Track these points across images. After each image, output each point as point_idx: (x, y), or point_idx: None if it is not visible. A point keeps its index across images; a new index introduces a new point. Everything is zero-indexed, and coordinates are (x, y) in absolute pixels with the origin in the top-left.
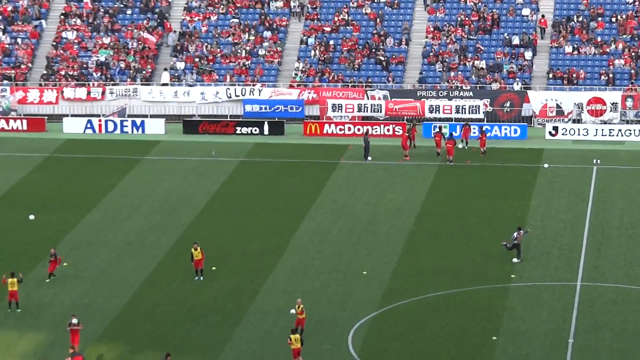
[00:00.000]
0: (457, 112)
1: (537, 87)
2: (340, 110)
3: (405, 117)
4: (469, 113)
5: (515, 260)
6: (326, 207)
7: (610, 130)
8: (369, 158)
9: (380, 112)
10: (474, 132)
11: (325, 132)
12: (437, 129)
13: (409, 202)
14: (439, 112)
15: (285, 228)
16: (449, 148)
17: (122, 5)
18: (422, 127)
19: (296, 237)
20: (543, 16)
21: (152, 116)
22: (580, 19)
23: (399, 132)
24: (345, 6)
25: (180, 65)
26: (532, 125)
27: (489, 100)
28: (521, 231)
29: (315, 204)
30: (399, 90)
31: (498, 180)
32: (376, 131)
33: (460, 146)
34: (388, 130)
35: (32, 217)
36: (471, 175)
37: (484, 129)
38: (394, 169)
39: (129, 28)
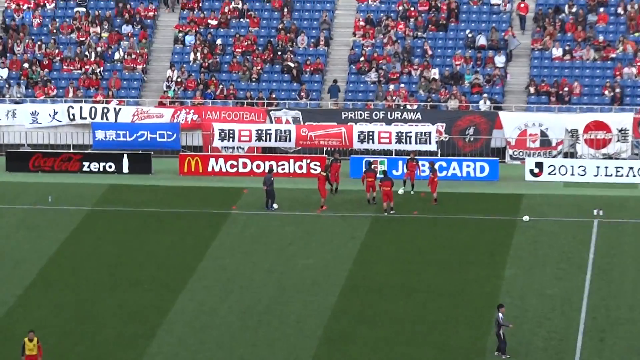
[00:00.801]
0: (399, 141)
1: (512, 107)
2: (231, 139)
3: (325, 149)
4: (416, 143)
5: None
6: (211, 278)
7: (617, 168)
8: (274, 206)
9: (289, 141)
10: (423, 171)
11: (210, 169)
12: (368, 166)
13: (330, 271)
14: (373, 142)
15: (151, 308)
16: (386, 192)
17: None
18: (349, 163)
19: (168, 321)
20: (523, 1)
21: None
22: (574, 9)
23: (315, 170)
24: None
25: (2, 73)
26: (506, 160)
27: (444, 124)
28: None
29: (195, 273)
30: (315, 110)
31: (458, 240)
32: (283, 168)
33: (401, 191)
34: (300, 167)
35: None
36: (419, 232)
37: (436, 166)
38: (309, 223)
39: None
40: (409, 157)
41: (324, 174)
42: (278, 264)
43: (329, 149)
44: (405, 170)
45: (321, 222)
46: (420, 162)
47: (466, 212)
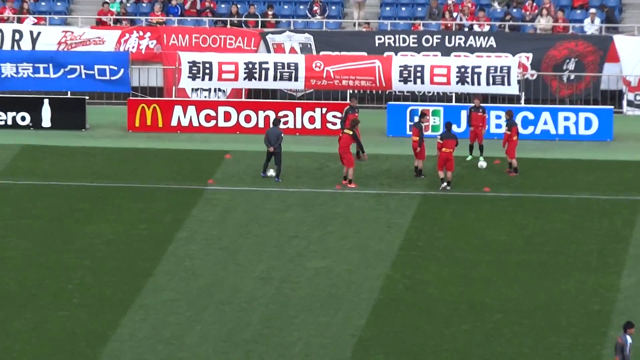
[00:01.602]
0: (462, 81)
1: (635, 28)
2: (207, 77)
3: (350, 93)
4: (488, 84)
5: None
6: (174, 289)
7: None
8: (271, 174)
9: (296, 80)
10: (498, 126)
11: (174, 123)
12: (417, 118)
13: (355, 279)
14: (422, 81)
15: (82, 334)
16: (445, 155)
17: None
18: (385, 114)
19: (107, 354)
20: None
21: None
22: None
23: (335, 124)
24: None
25: None
26: (623, 110)
27: (530, 55)
28: (628, 336)
29: (150, 281)
30: (335, 33)
31: (550, 231)
32: (286, 122)
33: (467, 157)
34: (311, 120)
35: None
36: (491, 219)
37: (517, 118)
38: (324, 205)
39: None
40: (472, 105)
41: (349, 131)
42: (276, 268)
43: (354, 91)
44: (468, 126)
45: (343, 203)
46: (487, 113)
47: (562, 189)
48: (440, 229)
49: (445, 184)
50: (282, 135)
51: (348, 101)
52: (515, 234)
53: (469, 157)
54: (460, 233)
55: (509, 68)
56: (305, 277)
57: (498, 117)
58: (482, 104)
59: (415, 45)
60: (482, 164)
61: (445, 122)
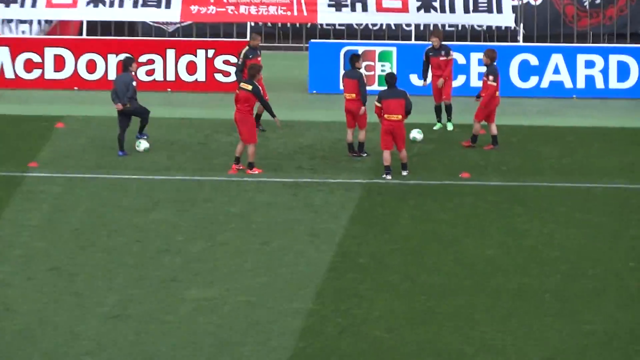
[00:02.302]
0: (424, 6)
1: None
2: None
3: (250, 26)
4: (467, 10)
5: None
6: None
7: None
8: (144, 147)
9: (168, 6)
10: (480, 77)
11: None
12: (351, 64)
13: (264, 312)
14: (364, 8)
15: None
16: (392, 125)
17: None
18: (308, 57)
19: None
20: None
21: None
22: None
23: (227, 78)
24: None
25: None
26: None
27: None
28: None
29: None
30: None
31: (567, 240)
32: (151, 73)
33: (435, 125)
34: (192, 68)
35: None
36: (477, 223)
37: (493, 64)
38: (213, 201)
39: None
40: (429, 46)
41: (248, 85)
42: (136, 300)
43: (257, 24)
44: (427, 76)
45: (240, 198)
46: (472, 57)
47: (583, 175)
48: (391, 239)
49: (389, 175)
50: (135, 84)
51: (247, 39)
52: (511, 246)
53: (437, 126)
54: (423, 244)
55: None
56: (180, 315)
57: (481, 62)
58: (443, 42)
59: None
60: (416, 135)
61: (387, 73)
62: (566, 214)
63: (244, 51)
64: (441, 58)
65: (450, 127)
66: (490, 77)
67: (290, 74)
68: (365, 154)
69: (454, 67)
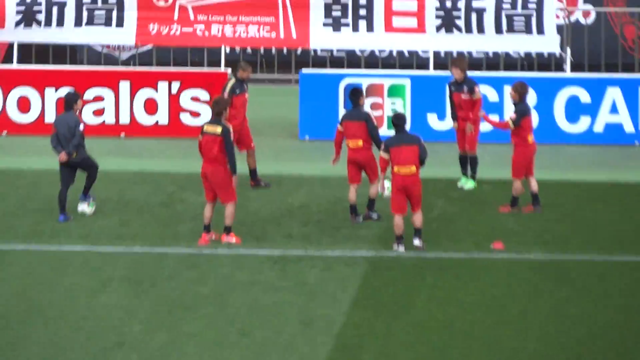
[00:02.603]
0: (446, 24)
1: None
2: None
3: (224, 52)
4: (499, 30)
5: None
6: None
7: None
8: (84, 210)
9: (121, 24)
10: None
11: None
12: (354, 103)
13: None
14: (369, 27)
15: None
16: (401, 182)
17: None
18: (299, 92)
19: None
20: None
21: None
22: None
23: (198, 114)
24: None
25: None
26: None
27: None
28: None
29: None
30: None
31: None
32: (105, 111)
33: (459, 180)
34: (151, 106)
35: None
36: (514, 308)
37: (523, 101)
38: (177, 278)
39: None
40: (452, 79)
41: (215, 128)
42: None
43: (232, 50)
44: (453, 124)
45: (214, 275)
46: (504, 90)
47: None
48: (404, 328)
49: (402, 246)
50: (82, 127)
51: (222, 69)
52: (556, 338)
53: (462, 181)
54: (445, 335)
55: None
56: None
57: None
58: (466, 75)
59: None
60: (385, 188)
61: (394, 114)
62: (628, 296)
63: (230, 84)
64: (463, 96)
65: (470, 185)
66: (514, 115)
67: (276, 115)
68: (376, 216)
69: (483, 105)
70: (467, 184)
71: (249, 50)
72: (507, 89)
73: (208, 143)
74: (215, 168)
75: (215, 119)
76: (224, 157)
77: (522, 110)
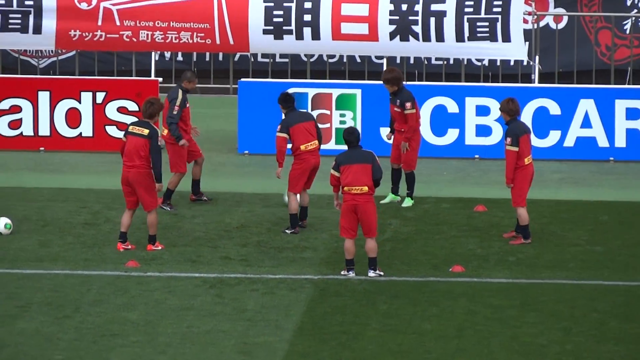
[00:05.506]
0: (401, 30)
1: None
2: None
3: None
4: (461, 38)
5: None
6: None
7: None
8: None
9: (38, 31)
10: (480, 131)
11: None
12: (291, 115)
13: None
14: (315, 33)
15: None
16: (352, 203)
17: None
18: (237, 101)
19: None
20: None
21: None
22: None
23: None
24: None
25: None
26: None
27: None
28: None
29: None
30: None
31: None
32: (22, 124)
33: (389, 197)
34: (74, 119)
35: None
36: (477, 338)
37: (517, 118)
38: (106, 303)
39: None
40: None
41: (142, 130)
42: None
43: (161, 56)
44: (389, 138)
45: (142, 298)
46: (467, 102)
47: (622, 271)
48: (355, 359)
49: (352, 271)
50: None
51: (152, 77)
52: None
53: (388, 198)
54: None
55: (503, 3)
56: None
57: (482, 110)
58: (400, 87)
59: None
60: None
61: (346, 129)
62: (599, 322)
63: (180, 97)
64: (395, 109)
65: (407, 203)
66: (508, 140)
67: (212, 127)
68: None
69: (441, 118)
70: (405, 201)
71: (180, 57)
72: (469, 101)
73: (133, 145)
74: (139, 172)
75: (144, 121)
76: (148, 162)
77: (513, 131)
